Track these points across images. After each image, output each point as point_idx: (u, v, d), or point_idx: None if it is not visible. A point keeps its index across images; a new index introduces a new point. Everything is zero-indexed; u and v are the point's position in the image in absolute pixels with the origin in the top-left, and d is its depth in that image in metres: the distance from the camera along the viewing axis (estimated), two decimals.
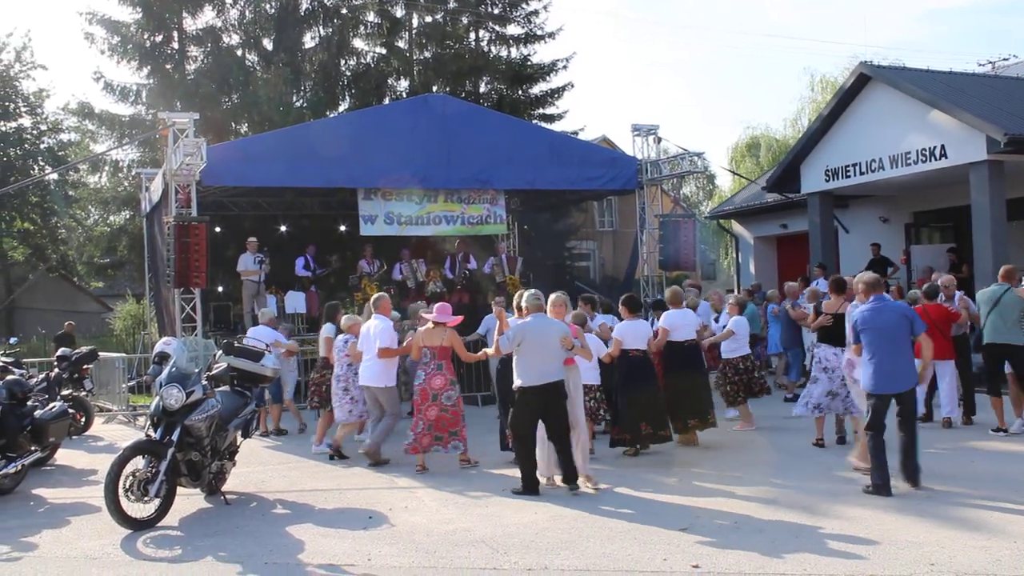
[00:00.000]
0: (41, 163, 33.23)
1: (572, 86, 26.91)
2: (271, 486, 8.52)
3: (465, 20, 26.56)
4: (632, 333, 9.20)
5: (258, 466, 9.52)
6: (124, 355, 15.57)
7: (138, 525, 6.85)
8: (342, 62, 25.67)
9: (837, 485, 7.63)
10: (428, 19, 26.69)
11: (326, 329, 10.86)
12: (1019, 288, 9.80)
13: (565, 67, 26.64)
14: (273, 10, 24.49)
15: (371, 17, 26.10)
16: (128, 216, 24.34)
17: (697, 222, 18.84)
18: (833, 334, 9.00)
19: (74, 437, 11.67)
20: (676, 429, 9.58)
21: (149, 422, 7.41)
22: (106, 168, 25.17)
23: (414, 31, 26.79)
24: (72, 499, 8.25)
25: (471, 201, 16.45)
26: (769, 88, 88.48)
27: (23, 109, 33.16)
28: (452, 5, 26.42)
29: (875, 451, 7.19)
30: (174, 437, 7.18)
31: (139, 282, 23.70)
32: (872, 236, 18.21)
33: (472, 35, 26.71)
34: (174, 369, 7.47)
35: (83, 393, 12.83)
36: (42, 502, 8.24)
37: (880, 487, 7.10)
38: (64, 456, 10.35)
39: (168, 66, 23.45)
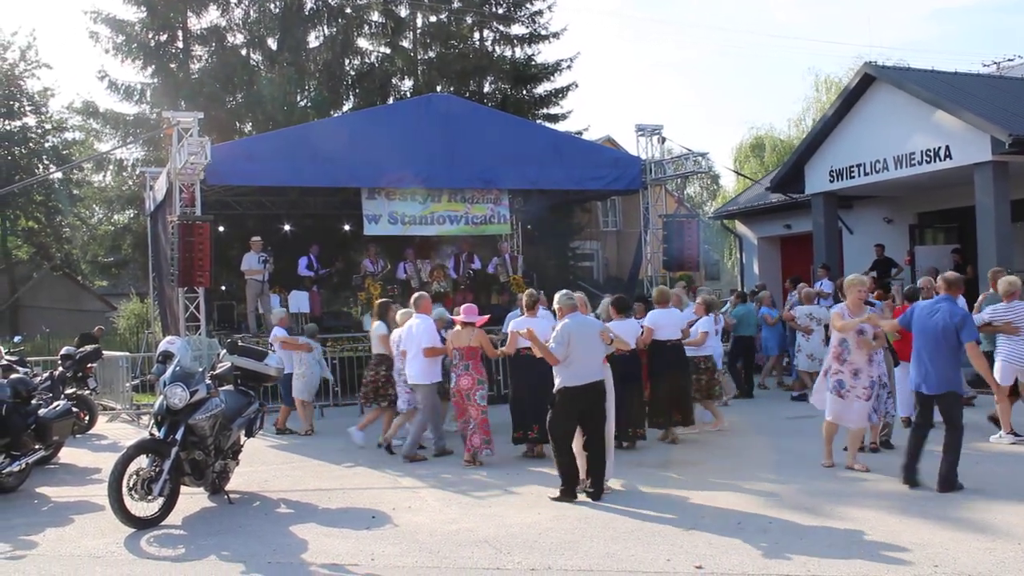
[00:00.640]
0: (45, 162, 33.33)
1: (576, 86, 26.95)
2: (275, 485, 8.52)
3: (469, 20, 26.59)
4: (620, 333, 9.27)
5: (261, 465, 9.52)
6: (128, 354, 15.58)
7: (142, 524, 6.85)
8: (346, 62, 25.72)
9: (841, 486, 7.61)
10: (432, 19, 26.74)
11: (378, 326, 10.98)
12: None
13: (569, 67, 26.71)
14: (277, 9, 24.53)
15: (375, 17, 26.14)
16: (132, 215, 24.40)
17: (701, 222, 18.88)
18: None
19: (78, 436, 11.68)
20: (657, 425, 9.88)
21: (153, 421, 7.41)
22: (110, 167, 25.25)
23: (418, 31, 26.82)
24: (76, 498, 8.25)
25: (475, 201, 16.46)
26: (773, 88, 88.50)
27: (28, 108, 33.27)
28: (456, 5, 26.45)
29: (909, 444, 7.45)
30: (178, 436, 7.19)
31: (143, 281, 23.73)
32: (876, 237, 18.18)
33: (476, 35, 26.74)
34: (178, 368, 7.47)
35: (87, 392, 12.83)
36: (46, 500, 8.25)
37: (905, 474, 7.34)
38: (68, 455, 10.37)
39: (172, 65, 23.52)
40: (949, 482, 7.13)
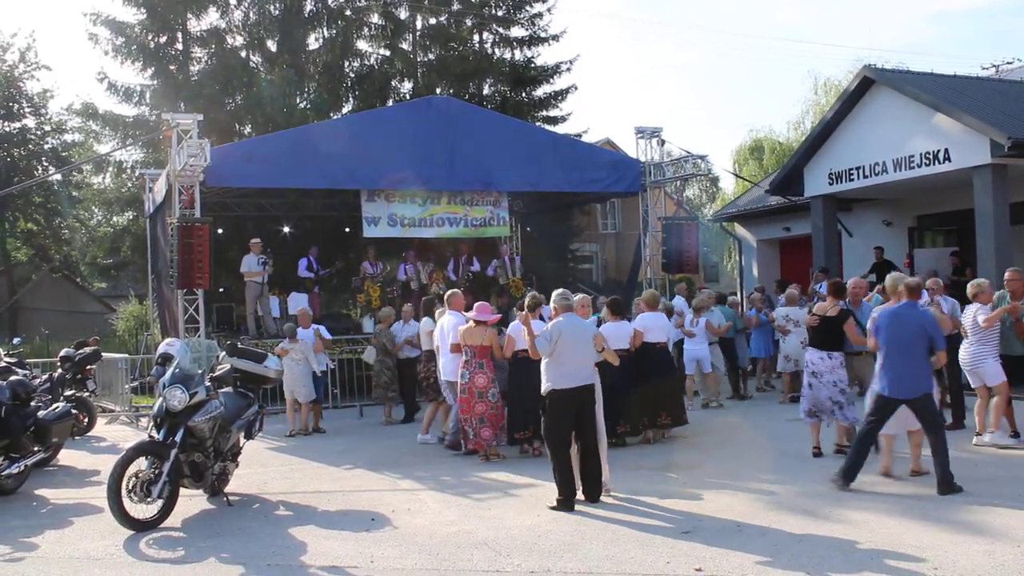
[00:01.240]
0: (45, 164, 33.35)
1: (576, 88, 26.94)
2: (274, 488, 8.52)
3: (469, 22, 26.59)
4: (615, 335, 9.49)
5: (260, 468, 9.53)
6: (127, 356, 15.58)
7: (141, 526, 6.86)
8: (346, 64, 25.70)
9: (840, 489, 7.61)
10: (432, 21, 26.73)
11: (426, 323, 11.15)
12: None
13: (569, 69, 26.70)
14: (277, 11, 24.51)
15: (375, 19, 26.13)
16: (131, 217, 24.37)
17: (700, 225, 18.87)
18: (824, 337, 8.85)
19: (77, 438, 11.69)
20: (645, 426, 10.03)
21: (152, 423, 7.41)
22: (110, 169, 25.20)
23: (418, 33, 26.82)
24: (75, 500, 8.25)
25: (474, 203, 16.47)
26: (773, 91, 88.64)
27: (27, 110, 33.30)
28: (456, 7, 26.45)
29: (860, 439, 7.58)
30: (177, 438, 7.19)
31: (142, 283, 23.70)
32: (875, 239, 18.19)
33: (476, 37, 26.73)
34: (177, 370, 7.47)
35: (86, 394, 12.84)
36: (45, 503, 8.25)
37: (845, 472, 7.42)
38: (67, 457, 10.37)
39: (172, 67, 23.50)
40: (947, 483, 7.16)
